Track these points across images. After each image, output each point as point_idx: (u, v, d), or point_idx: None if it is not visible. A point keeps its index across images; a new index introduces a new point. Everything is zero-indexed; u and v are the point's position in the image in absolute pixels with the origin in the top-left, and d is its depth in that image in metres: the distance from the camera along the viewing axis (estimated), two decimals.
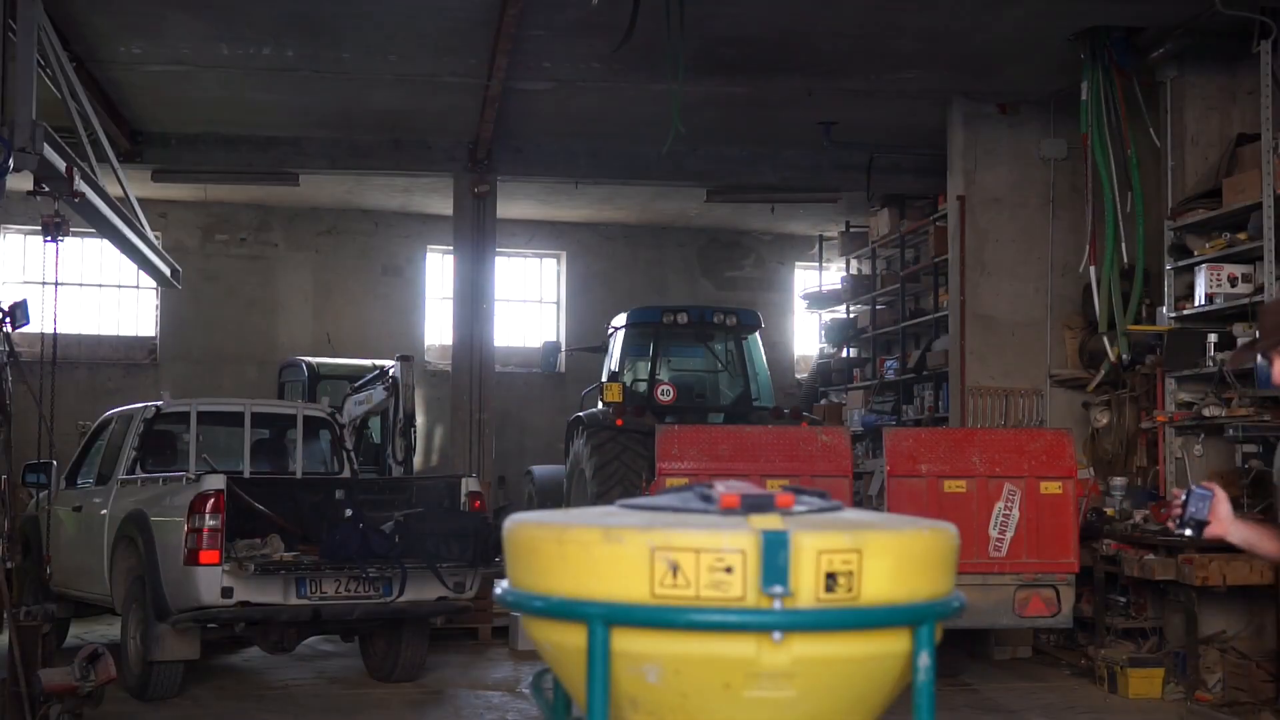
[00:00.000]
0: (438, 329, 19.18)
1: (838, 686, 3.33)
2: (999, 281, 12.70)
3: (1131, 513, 10.26)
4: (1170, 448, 10.52)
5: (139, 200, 11.58)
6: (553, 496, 14.89)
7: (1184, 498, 3.91)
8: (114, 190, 10.63)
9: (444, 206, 16.02)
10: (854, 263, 18.09)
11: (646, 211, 18.89)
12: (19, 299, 7.62)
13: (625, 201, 18.04)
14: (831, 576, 3.23)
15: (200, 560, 8.64)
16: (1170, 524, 3.95)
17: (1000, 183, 12.73)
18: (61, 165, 8.74)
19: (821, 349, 19.11)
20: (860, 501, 10.20)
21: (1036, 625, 9.61)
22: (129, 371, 18.05)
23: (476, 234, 14.59)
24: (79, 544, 10.32)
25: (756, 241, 20.40)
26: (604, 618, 3.16)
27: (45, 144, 8.37)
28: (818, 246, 19.36)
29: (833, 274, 19.36)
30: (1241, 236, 9.74)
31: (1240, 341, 9.50)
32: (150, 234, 11.79)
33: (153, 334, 18.53)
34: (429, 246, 19.25)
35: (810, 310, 19.44)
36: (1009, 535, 9.13)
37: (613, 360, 13.99)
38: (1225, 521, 3.88)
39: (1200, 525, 3.89)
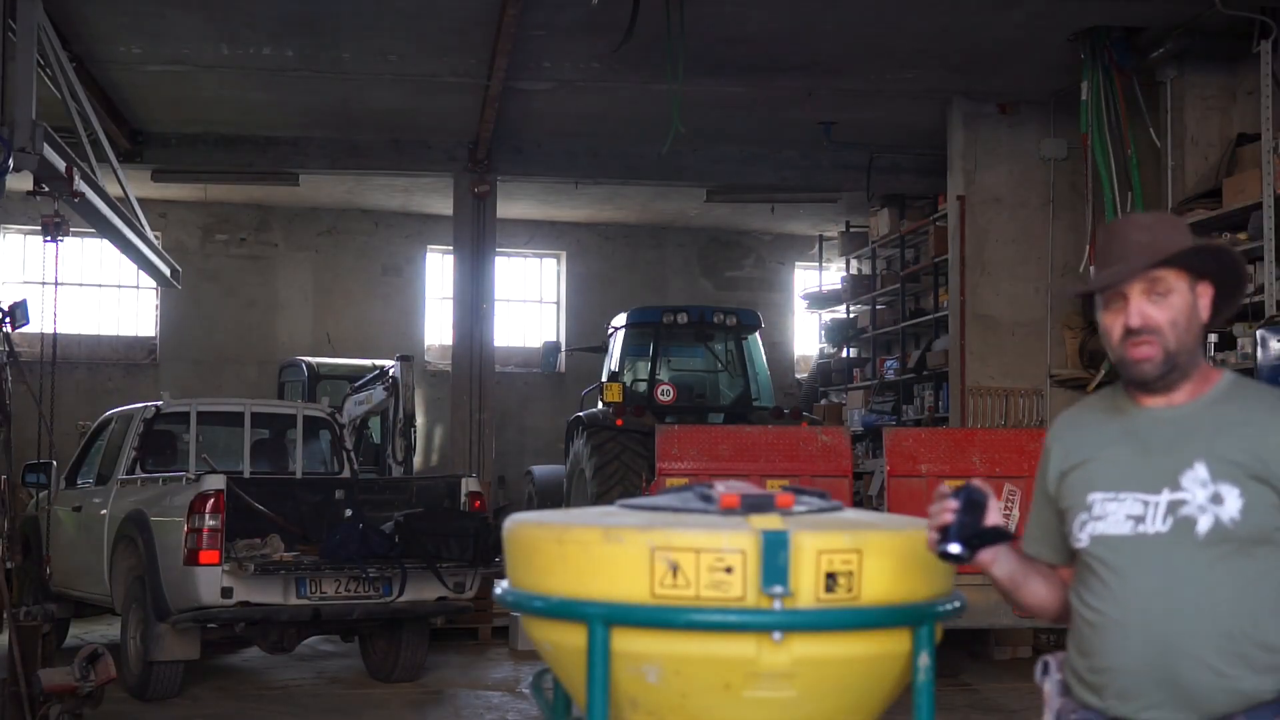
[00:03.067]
0: (438, 329, 19.18)
1: (838, 687, 3.32)
2: (999, 281, 12.69)
3: None
4: None
5: (139, 200, 11.57)
6: (553, 496, 14.89)
7: (957, 501, 2.94)
8: (114, 190, 10.62)
9: (444, 206, 16.01)
10: (854, 263, 18.09)
11: (646, 211, 18.89)
12: (19, 299, 7.62)
13: (625, 201, 18.03)
14: (831, 576, 3.22)
15: (200, 560, 8.63)
16: (931, 539, 2.95)
17: (1000, 183, 12.73)
18: (61, 165, 8.74)
19: (821, 349, 19.11)
20: (860, 502, 10.20)
21: (1036, 625, 9.59)
22: (129, 371, 18.04)
23: (476, 234, 14.59)
24: (79, 544, 10.31)
25: (756, 241, 20.40)
26: (604, 618, 3.16)
27: (45, 144, 8.37)
28: (818, 246, 19.36)
29: (833, 274, 19.36)
30: (1241, 237, 9.73)
31: (1253, 336, 9.45)
32: (150, 234, 11.79)
33: (153, 334, 18.52)
34: (429, 246, 19.25)
35: (810, 310, 19.44)
36: None
37: (613, 360, 13.99)
38: (990, 554, 2.99)
39: (976, 544, 2.93)
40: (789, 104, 13.02)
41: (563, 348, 17.60)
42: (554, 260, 20.33)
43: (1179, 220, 3.02)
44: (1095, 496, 2.92)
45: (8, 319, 7.49)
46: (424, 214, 18.69)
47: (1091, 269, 11.63)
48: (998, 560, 3.02)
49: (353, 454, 11.29)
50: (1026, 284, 12.65)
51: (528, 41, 11.07)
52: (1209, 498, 2.81)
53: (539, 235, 19.73)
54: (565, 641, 3.30)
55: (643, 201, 18.07)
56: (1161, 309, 2.87)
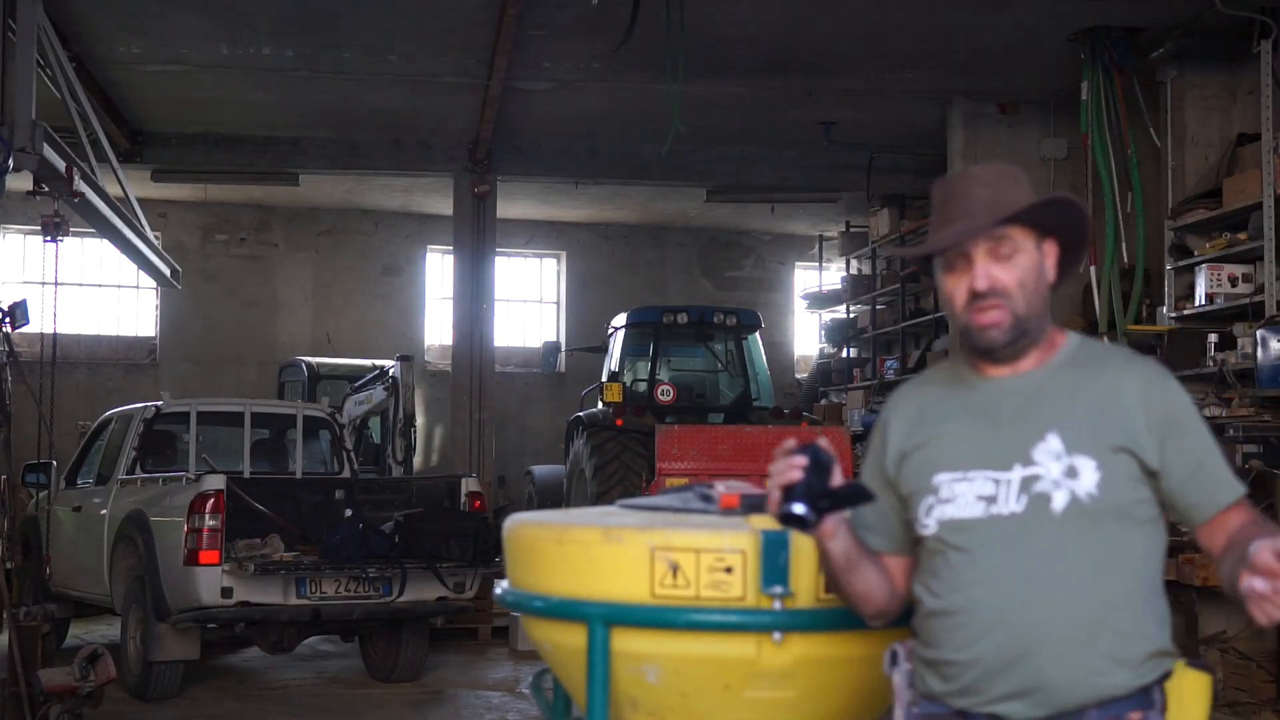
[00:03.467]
0: (438, 329, 19.17)
1: (838, 687, 3.32)
2: None
3: None
4: None
5: (139, 200, 11.57)
6: (553, 496, 14.88)
7: (805, 458, 2.60)
8: (114, 190, 10.62)
9: (444, 206, 16.01)
10: (854, 262, 18.08)
11: (646, 211, 18.88)
12: (19, 299, 7.62)
13: (625, 201, 18.03)
14: None
15: (200, 560, 8.64)
16: (774, 499, 2.61)
17: None
18: (61, 165, 8.74)
19: (822, 349, 19.11)
20: None
21: None
22: (129, 371, 18.04)
23: (476, 234, 14.58)
24: (79, 544, 10.32)
25: (756, 241, 20.39)
26: (604, 618, 3.16)
27: (45, 144, 8.36)
28: (818, 246, 19.35)
29: (833, 274, 19.34)
30: (1242, 236, 9.73)
31: (1253, 336, 9.45)
32: (150, 234, 11.79)
33: (152, 334, 18.52)
34: (429, 246, 19.24)
35: (810, 310, 19.43)
36: None
37: (613, 360, 13.98)
38: (835, 522, 2.70)
39: (825, 506, 2.59)
40: (789, 104, 13.01)
41: (563, 348, 17.60)
42: (554, 260, 20.32)
43: (1019, 172, 2.79)
44: (942, 478, 2.69)
45: (8, 319, 7.49)
46: (424, 214, 18.69)
47: (1092, 269, 11.51)
48: (839, 534, 2.72)
49: (353, 454, 11.30)
50: None
51: (528, 41, 11.06)
52: (1064, 471, 2.61)
53: (539, 235, 19.73)
54: (565, 641, 3.30)
55: (643, 201, 18.07)
56: (1008, 270, 2.67)
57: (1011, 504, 2.62)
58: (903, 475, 2.78)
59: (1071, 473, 2.60)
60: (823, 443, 2.62)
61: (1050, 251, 2.75)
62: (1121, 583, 2.61)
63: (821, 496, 2.59)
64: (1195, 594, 9.09)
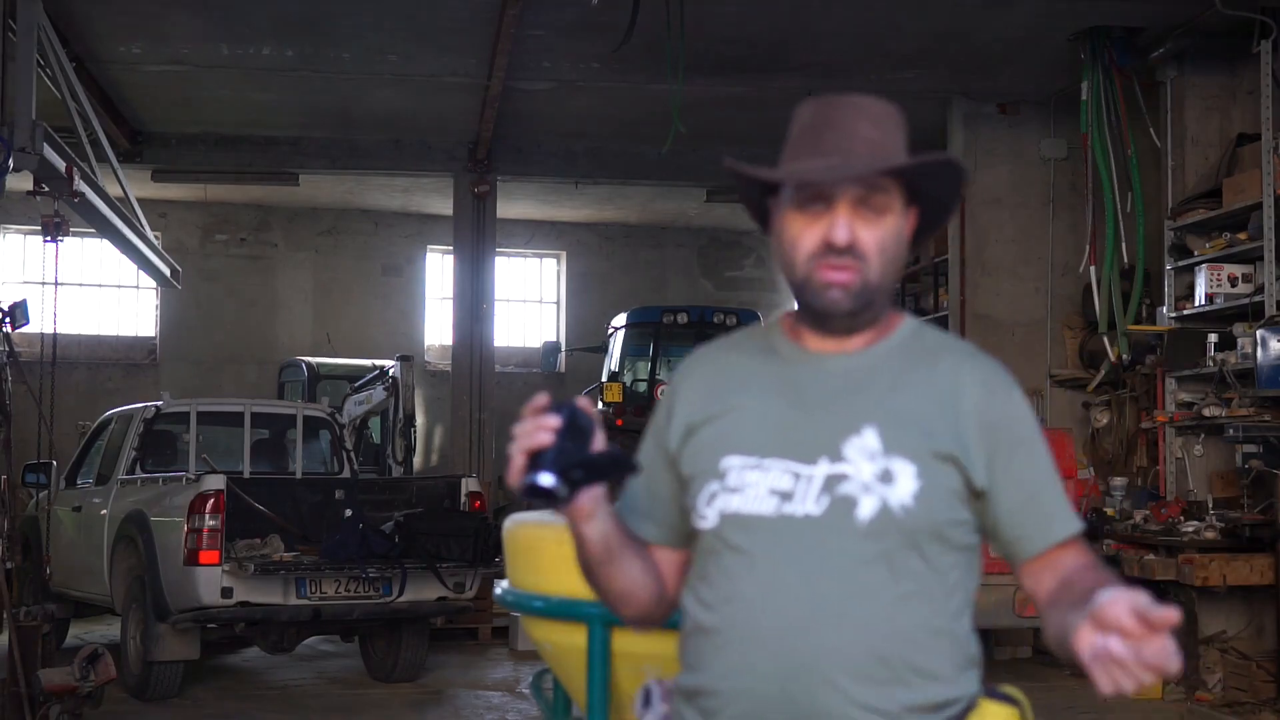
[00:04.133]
0: (438, 329, 19.17)
1: None
2: (999, 282, 12.69)
3: (1131, 513, 10.25)
4: (1170, 448, 10.51)
5: (139, 200, 11.58)
6: None
7: (559, 419, 2.08)
8: (114, 190, 10.63)
9: (444, 206, 16.01)
10: None
11: (646, 211, 18.88)
12: (19, 299, 7.62)
13: (625, 201, 18.03)
14: None
15: (200, 560, 8.64)
16: (517, 466, 2.07)
17: (1000, 183, 12.72)
18: (61, 165, 8.75)
19: None
20: None
21: (1037, 625, 9.59)
22: (129, 372, 18.04)
23: (476, 234, 14.58)
24: (79, 544, 10.32)
25: (757, 241, 20.39)
26: (604, 618, 3.16)
27: (45, 144, 8.37)
28: None
29: None
30: (1242, 236, 9.72)
31: (1253, 336, 9.45)
32: (150, 234, 11.80)
33: (152, 334, 18.52)
34: (429, 246, 19.25)
35: None
36: None
37: (613, 360, 14.01)
38: (592, 499, 2.16)
39: (580, 477, 2.08)
40: (789, 104, 12.75)
41: (563, 348, 17.61)
42: (554, 260, 20.33)
43: (900, 115, 2.38)
44: (731, 462, 2.20)
45: (7, 319, 7.49)
46: (424, 214, 18.70)
47: (1092, 269, 11.45)
48: (597, 514, 2.18)
49: (353, 454, 11.30)
50: (1026, 284, 12.64)
51: (528, 41, 11.06)
52: (877, 475, 2.14)
53: (539, 235, 19.73)
54: (565, 641, 3.31)
55: (643, 201, 18.07)
56: (873, 228, 2.18)
57: (809, 504, 2.15)
58: (686, 453, 2.26)
59: (886, 477, 2.14)
60: (582, 402, 2.13)
61: (911, 220, 2.27)
62: (925, 615, 2.15)
63: (575, 466, 2.07)
64: (1195, 594, 9.10)
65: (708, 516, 2.19)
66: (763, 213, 2.33)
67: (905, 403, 2.20)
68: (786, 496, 2.15)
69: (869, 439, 2.16)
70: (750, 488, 2.17)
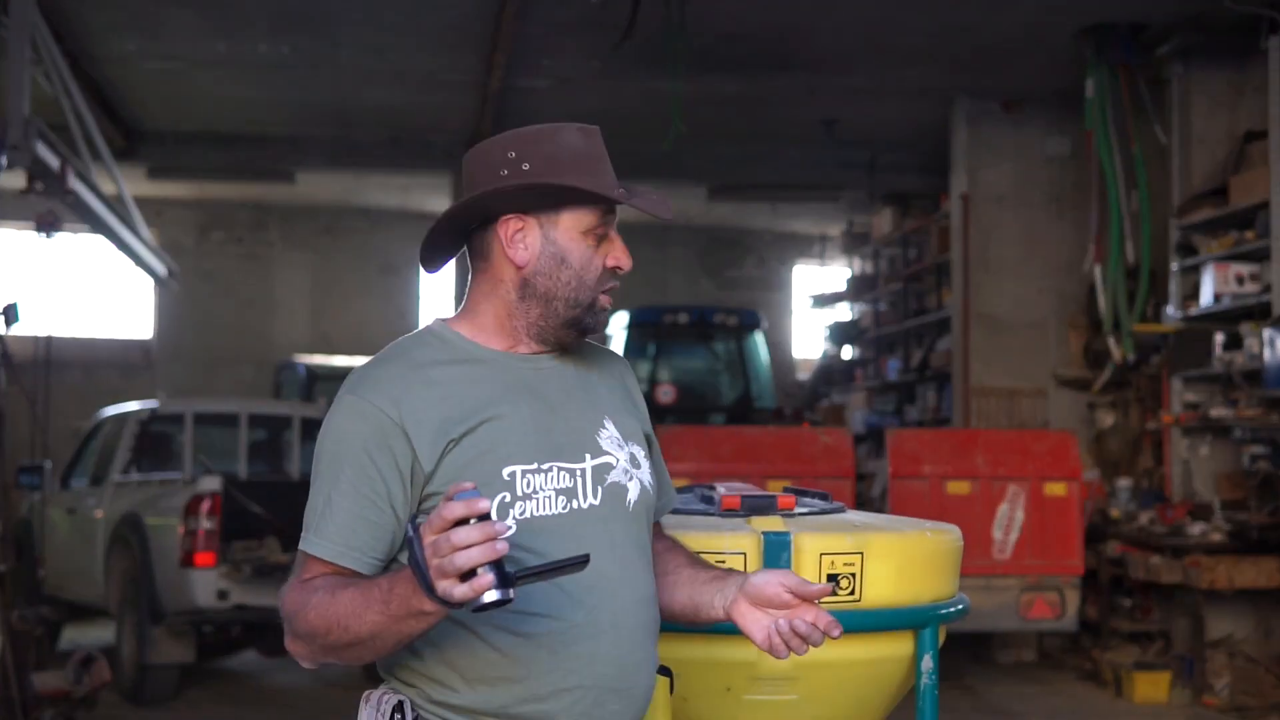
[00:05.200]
0: None
1: (840, 690, 3.26)
2: (1002, 281, 12.61)
3: (1137, 515, 10.17)
4: (1176, 449, 10.42)
5: (134, 199, 11.51)
6: None
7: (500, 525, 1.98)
8: (108, 189, 10.56)
9: (443, 205, 15.92)
10: (856, 262, 18.01)
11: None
12: (11, 299, 7.54)
13: None
14: (833, 578, 3.17)
15: (196, 562, 8.61)
16: (479, 591, 1.93)
17: (1004, 181, 12.64)
18: (55, 163, 8.68)
19: (825, 350, 19.04)
20: (863, 503, 10.11)
21: (1041, 629, 9.52)
22: (124, 372, 17.94)
23: None
24: (73, 546, 10.25)
25: (758, 241, 20.32)
26: None
27: (38, 142, 8.31)
28: (820, 246, 19.28)
29: (835, 274, 19.27)
30: (1249, 235, 9.64)
31: (1260, 336, 9.36)
32: (145, 233, 11.72)
33: (148, 334, 18.45)
34: None
35: (813, 309, 19.38)
36: (1013, 537, 9.03)
37: None
38: None
39: (522, 577, 1.99)
40: (790, 102, 12.94)
41: None
42: None
43: None
44: (513, 470, 2.25)
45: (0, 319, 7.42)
46: (422, 212, 18.60)
47: (1097, 268, 11.38)
48: None
49: None
50: (1030, 283, 12.56)
51: (527, 39, 10.99)
52: (629, 460, 2.37)
53: None
54: None
55: None
56: None
57: (590, 497, 2.30)
58: (445, 469, 2.23)
59: (634, 462, 2.38)
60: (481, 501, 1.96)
61: None
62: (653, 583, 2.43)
63: (528, 574, 1.99)
64: (1202, 597, 9.01)
65: (511, 527, 2.18)
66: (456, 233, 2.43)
67: (611, 395, 2.44)
68: (570, 494, 2.30)
69: (611, 429, 2.37)
70: (540, 492, 2.26)
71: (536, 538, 2.24)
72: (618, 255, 2.39)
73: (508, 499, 2.24)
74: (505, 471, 2.25)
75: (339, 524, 2.22)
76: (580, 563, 2.03)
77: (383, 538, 2.23)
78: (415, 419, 2.24)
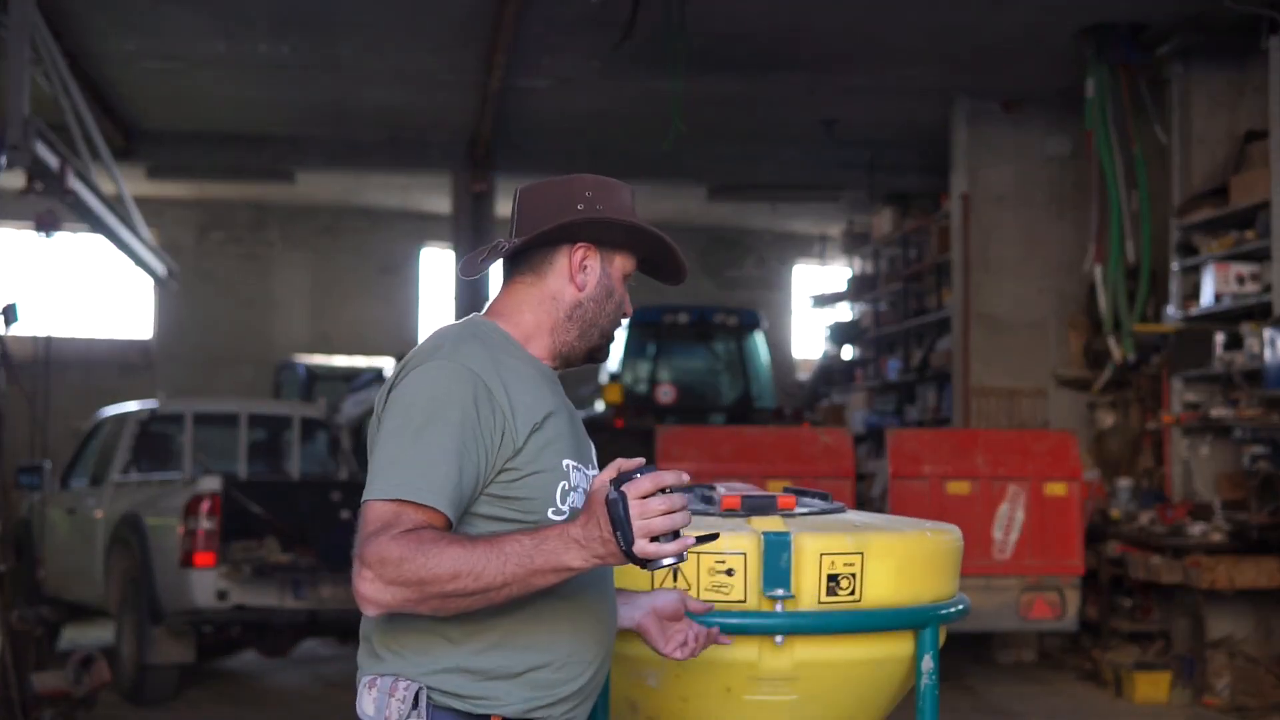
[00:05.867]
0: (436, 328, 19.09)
1: (840, 690, 3.26)
2: (1002, 281, 12.61)
3: (1137, 515, 10.17)
4: (1177, 449, 10.42)
5: (134, 198, 11.50)
6: None
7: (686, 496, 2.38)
8: (108, 188, 10.55)
9: (442, 205, 15.94)
10: (856, 262, 18.01)
11: (647, 210, 18.51)
12: (11, 299, 7.54)
13: None
14: (834, 579, 3.16)
15: (195, 563, 8.59)
16: (675, 551, 2.31)
17: (1004, 181, 12.63)
18: (54, 163, 8.67)
19: (825, 350, 19.04)
20: (863, 503, 10.10)
21: (1041, 629, 9.52)
22: (124, 372, 17.93)
23: (475, 232, 14.49)
24: (72, 546, 10.24)
25: (758, 241, 20.32)
26: None
27: (38, 141, 8.30)
28: (820, 246, 19.27)
29: (835, 273, 19.26)
30: (1250, 235, 9.64)
31: (1260, 336, 9.34)
32: (145, 233, 11.70)
33: (148, 334, 18.44)
34: (427, 245, 19.17)
35: (813, 309, 19.37)
36: (1013, 537, 9.03)
37: (613, 360, 13.92)
38: None
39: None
40: (790, 101, 12.94)
41: None
42: None
43: None
44: (569, 463, 2.54)
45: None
46: (422, 212, 18.61)
47: (1097, 268, 11.39)
48: None
49: (350, 455, 11.21)
50: (1030, 283, 12.56)
51: (527, 38, 10.98)
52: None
53: None
54: None
55: (643, 200, 17.62)
56: None
57: None
58: (529, 450, 2.48)
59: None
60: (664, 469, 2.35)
61: None
62: None
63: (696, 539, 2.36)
64: (1202, 597, 9.01)
65: (565, 512, 2.49)
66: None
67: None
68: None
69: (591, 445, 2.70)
70: (580, 487, 2.54)
71: None
72: (629, 305, 2.70)
73: (566, 487, 2.51)
74: (565, 463, 2.53)
75: (443, 474, 2.37)
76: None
77: (471, 491, 2.43)
78: (508, 396, 2.45)
